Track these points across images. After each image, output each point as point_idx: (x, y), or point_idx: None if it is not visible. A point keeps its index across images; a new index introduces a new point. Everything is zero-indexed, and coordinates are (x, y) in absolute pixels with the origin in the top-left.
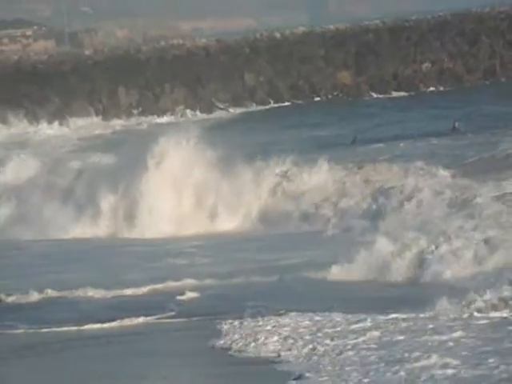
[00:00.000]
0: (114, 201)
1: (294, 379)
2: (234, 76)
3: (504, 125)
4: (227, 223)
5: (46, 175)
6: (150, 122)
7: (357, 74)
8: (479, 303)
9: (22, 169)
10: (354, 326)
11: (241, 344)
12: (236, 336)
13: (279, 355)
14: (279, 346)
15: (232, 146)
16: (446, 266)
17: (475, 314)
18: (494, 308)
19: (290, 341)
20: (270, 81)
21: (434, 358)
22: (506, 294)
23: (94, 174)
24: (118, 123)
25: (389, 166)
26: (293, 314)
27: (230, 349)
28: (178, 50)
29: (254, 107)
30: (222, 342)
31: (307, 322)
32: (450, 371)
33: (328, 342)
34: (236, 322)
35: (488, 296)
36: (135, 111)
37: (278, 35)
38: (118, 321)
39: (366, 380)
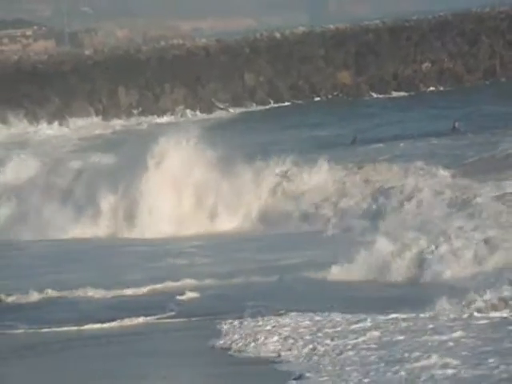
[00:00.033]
0: (113, 201)
1: (295, 379)
2: (234, 76)
3: (504, 125)
4: (227, 223)
5: (45, 175)
6: (149, 122)
7: (357, 74)
8: (479, 303)
9: (21, 169)
10: (354, 326)
11: (241, 344)
12: (236, 336)
13: (279, 355)
14: (279, 346)
15: (232, 146)
16: (445, 265)
17: (475, 314)
18: (494, 308)
19: (290, 341)
20: (270, 81)
21: (434, 358)
22: (506, 293)
23: (93, 174)
24: (118, 123)
25: (389, 166)
26: (293, 313)
27: (229, 349)
28: (177, 50)
29: (254, 107)
30: (221, 342)
31: (307, 322)
32: (450, 371)
33: (328, 341)
34: (236, 322)
35: (488, 296)
36: (135, 111)
37: (277, 35)
38: (118, 321)
39: (366, 380)
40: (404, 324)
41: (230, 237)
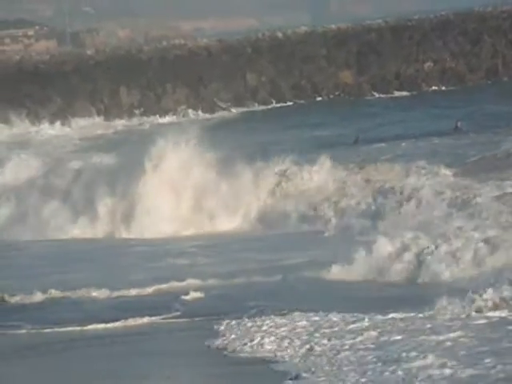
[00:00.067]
0: (113, 201)
1: (291, 379)
2: (236, 76)
3: (506, 124)
4: (226, 223)
5: (46, 175)
6: (151, 122)
7: (359, 74)
8: (478, 303)
9: (22, 169)
10: (351, 326)
11: (238, 344)
12: (233, 336)
13: (276, 355)
14: (276, 346)
15: (232, 146)
16: (445, 266)
17: (474, 313)
18: (493, 308)
19: (287, 341)
20: (272, 80)
21: (432, 358)
22: (505, 293)
23: (94, 175)
24: (119, 123)
25: (390, 166)
26: (294, 313)
27: (227, 349)
28: (179, 50)
29: (256, 107)
30: (221, 342)
31: (304, 322)
32: (447, 371)
33: (325, 341)
34: (233, 322)
35: (487, 296)
36: (137, 111)
37: (279, 35)
38: (122, 321)
39: (363, 380)
40: (402, 324)
41: (230, 237)
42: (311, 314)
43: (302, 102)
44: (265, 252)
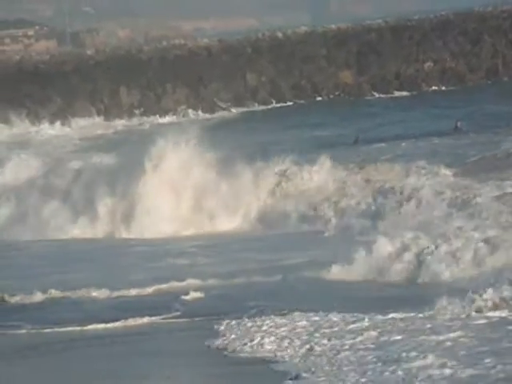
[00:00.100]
0: (113, 201)
1: (291, 379)
2: (236, 76)
3: (506, 124)
4: (226, 223)
5: (45, 175)
6: (151, 122)
7: (359, 74)
8: (478, 303)
9: (21, 169)
10: (351, 326)
11: (238, 344)
12: (233, 336)
13: (276, 355)
14: (276, 346)
15: (233, 146)
16: (445, 266)
17: (474, 313)
18: (494, 308)
19: (287, 341)
20: (272, 80)
21: (432, 358)
22: (505, 293)
23: (93, 175)
24: (119, 123)
25: (390, 166)
26: (294, 313)
27: (227, 349)
28: (179, 49)
29: (256, 107)
30: (221, 341)
31: (304, 322)
32: (447, 371)
33: (325, 341)
34: (233, 322)
35: (487, 296)
36: (137, 111)
37: (279, 35)
38: (122, 321)
39: (363, 380)
40: (402, 324)
41: (230, 237)
42: (311, 314)
43: (302, 101)
44: (265, 252)
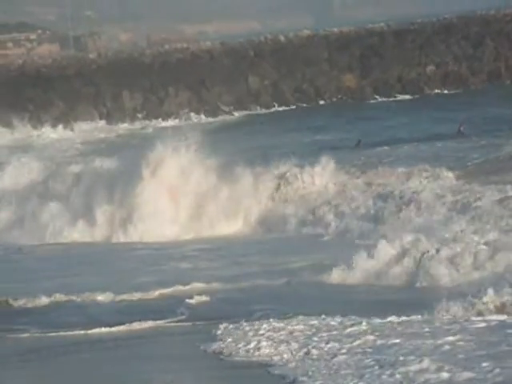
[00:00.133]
0: (113, 205)
1: (289, 383)
2: (239, 79)
3: (509, 127)
4: (226, 228)
5: (45, 179)
6: (154, 126)
7: (361, 77)
8: (478, 306)
9: (21, 173)
10: (349, 330)
11: (236, 348)
12: (230, 340)
13: (274, 359)
14: (274, 350)
15: (234, 150)
16: (445, 269)
17: (473, 317)
18: (493, 311)
19: (285, 344)
20: (275, 84)
21: (429, 362)
22: (505, 297)
23: (94, 179)
24: (122, 127)
25: (392, 170)
26: (292, 317)
27: (224, 353)
28: (182, 53)
29: (259, 110)
30: (217, 346)
31: (302, 326)
32: (444, 374)
33: (323, 345)
34: (231, 326)
35: (487, 299)
36: (140, 115)
37: (282, 38)
38: (127, 325)
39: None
40: (400, 327)
41: (231, 241)
42: (309, 318)
43: (304, 105)
44: (267, 255)
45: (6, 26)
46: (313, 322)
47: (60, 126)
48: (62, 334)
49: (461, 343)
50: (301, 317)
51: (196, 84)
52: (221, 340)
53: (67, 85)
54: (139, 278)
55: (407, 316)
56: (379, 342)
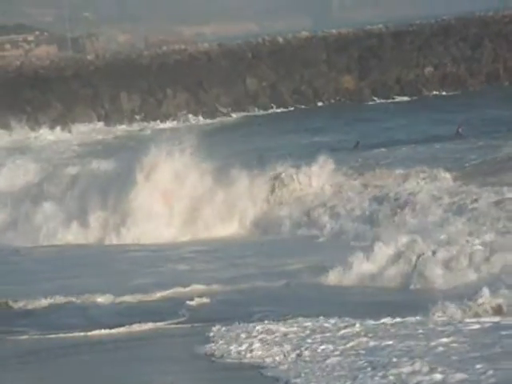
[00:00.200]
0: (110, 206)
1: None
2: (237, 81)
3: (507, 129)
4: (222, 230)
5: (41, 181)
6: (152, 128)
7: (360, 79)
8: (474, 309)
9: (17, 174)
10: (342, 332)
11: (228, 350)
12: (222, 341)
13: (266, 361)
14: (266, 352)
15: (231, 151)
16: (441, 271)
17: (468, 319)
18: (489, 314)
19: (278, 346)
20: (273, 85)
21: (422, 363)
22: (501, 299)
23: (90, 181)
24: (120, 129)
25: (389, 171)
26: (288, 319)
27: (216, 355)
28: (179, 54)
29: (257, 112)
30: (209, 347)
31: (295, 328)
32: (437, 376)
33: (316, 347)
34: (223, 328)
35: (482, 301)
36: (138, 116)
37: (280, 40)
38: (127, 326)
39: None
40: (393, 329)
41: (227, 243)
42: (303, 320)
43: (302, 107)
44: (264, 257)
45: (4, 27)
46: (307, 324)
47: (58, 128)
48: (61, 335)
49: (454, 345)
50: (295, 319)
51: (194, 85)
52: (213, 342)
53: (65, 86)
54: (137, 280)
55: (401, 318)
56: (372, 343)
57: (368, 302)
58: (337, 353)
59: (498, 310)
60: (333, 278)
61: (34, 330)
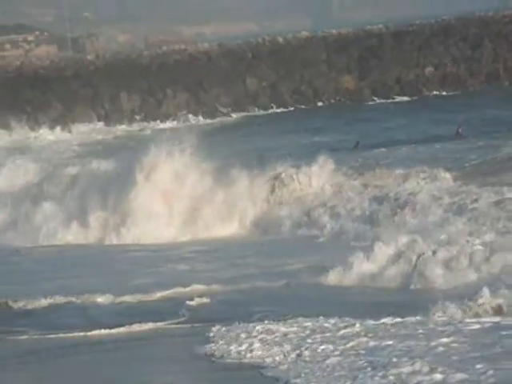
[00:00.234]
0: (110, 206)
1: None
2: (237, 81)
3: (507, 129)
4: (222, 230)
5: (41, 181)
6: (152, 128)
7: (360, 79)
8: (474, 309)
9: (17, 174)
10: (342, 332)
11: (228, 350)
12: (222, 342)
13: (266, 361)
14: (266, 352)
15: (231, 152)
16: (441, 271)
17: (468, 319)
18: (489, 314)
19: (278, 346)
20: (273, 85)
21: (423, 363)
22: (501, 299)
23: (90, 182)
24: (120, 129)
25: (389, 171)
26: (286, 319)
27: (216, 355)
28: (179, 54)
29: (257, 112)
30: (210, 347)
31: (295, 328)
32: (438, 376)
33: (316, 347)
34: (223, 328)
35: (483, 301)
36: (138, 116)
37: (280, 40)
38: (127, 326)
39: None
40: (393, 329)
41: (227, 243)
42: (304, 320)
43: (302, 107)
44: (264, 257)
45: (4, 27)
46: (307, 324)
47: (58, 128)
48: (61, 335)
49: (455, 345)
50: (295, 319)
51: (194, 85)
52: (213, 342)
53: (65, 86)
54: (137, 280)
55: (401, 318)
56: (372, 343)
57: (368, 302)
58: (337, 353)
59: (498, 310)
60: (333, 278)
61: (34, 330)
